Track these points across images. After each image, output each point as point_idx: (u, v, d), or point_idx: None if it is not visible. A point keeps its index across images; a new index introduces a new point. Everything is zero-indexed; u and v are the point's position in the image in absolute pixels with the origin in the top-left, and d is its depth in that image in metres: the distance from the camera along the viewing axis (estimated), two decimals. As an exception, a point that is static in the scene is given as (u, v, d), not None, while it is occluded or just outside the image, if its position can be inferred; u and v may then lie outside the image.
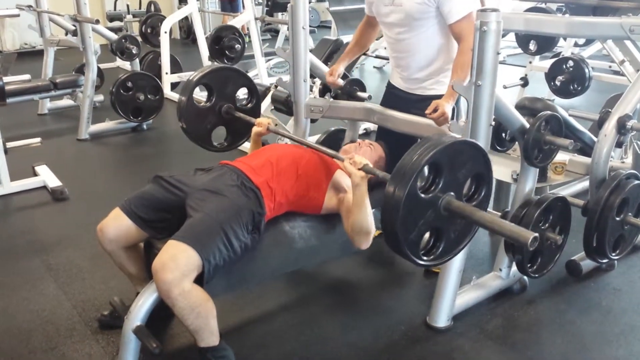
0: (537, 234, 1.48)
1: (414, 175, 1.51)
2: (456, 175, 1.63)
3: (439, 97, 2.22)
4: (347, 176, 2.13)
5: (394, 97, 2.60)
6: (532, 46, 5.12)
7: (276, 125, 3.80)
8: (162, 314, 2.12)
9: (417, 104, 2.42)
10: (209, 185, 1.98)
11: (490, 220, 1.60)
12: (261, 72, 5.78)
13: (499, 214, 2.64)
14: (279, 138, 3.81)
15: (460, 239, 1.73)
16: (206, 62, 5.74)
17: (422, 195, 1.56)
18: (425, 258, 1.67)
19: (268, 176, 2.03)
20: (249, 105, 2.76)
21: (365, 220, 1.93)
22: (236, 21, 6.07)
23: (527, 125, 2.23)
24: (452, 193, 1.62)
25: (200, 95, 2.92)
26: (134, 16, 8.52)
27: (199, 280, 1.78)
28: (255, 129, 2.43)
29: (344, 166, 1.96)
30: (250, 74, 2.77)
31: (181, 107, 2.56)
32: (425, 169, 1.57)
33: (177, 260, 1.73)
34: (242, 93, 2.76)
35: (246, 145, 2.74)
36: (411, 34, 2.36)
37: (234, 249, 1.83)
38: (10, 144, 3.55)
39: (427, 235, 1.67)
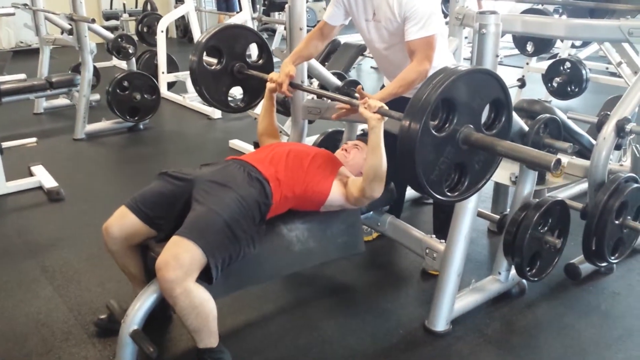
0: (559, 157, 1.46)
1: (429, 108, 1.48)
2: (471, 105, 1.58)
3: None
4: (350, 171, 2.16)
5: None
6: (530, 47, 5.13)
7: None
8: (160, 318, 2.12)
9: None
10: (215, 176, 1.97)
11: (511, 149, 1.57)
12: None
13: (497, 216, 2.64)
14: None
15: (485, 169, 1.69)
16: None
17: (439, 133, 1.53)
18: (450, 194, 1.63)
19: (277, 169, 2.02)
20: (260, 61, 2.72)
21: (380, 164, 1.93)
22: (233, 21, 6.04)
23: (526, 129, 2.22)
24: (470, 125, 1.58)
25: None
26: (130, 15, 8.48)
27: (207, 277, 1.77)
28: (268, 85, 2.41)
29: (359, 112, 1.94)
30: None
31: (194, 72, 2.54)
32: (439, 105, 1.53)
33: (180, 259, 1.72)
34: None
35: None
36: (393, 49, 2.28)
37: (240, 243, 1.82)
38: (5, 144, 3.52)
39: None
